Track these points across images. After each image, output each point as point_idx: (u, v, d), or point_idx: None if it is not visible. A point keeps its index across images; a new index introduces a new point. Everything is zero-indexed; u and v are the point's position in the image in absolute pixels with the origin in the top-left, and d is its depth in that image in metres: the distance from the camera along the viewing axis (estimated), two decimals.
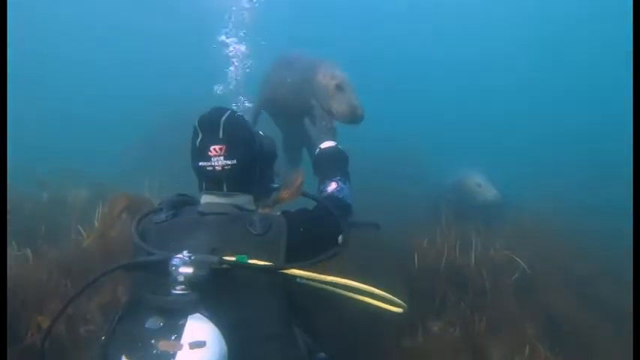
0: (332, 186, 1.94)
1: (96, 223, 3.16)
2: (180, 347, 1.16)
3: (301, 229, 1.54)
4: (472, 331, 2.72)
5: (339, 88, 2.70)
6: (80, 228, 3.09)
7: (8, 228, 3.63)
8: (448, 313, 2.94)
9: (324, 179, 2.01)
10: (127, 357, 1.20)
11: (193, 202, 1.67)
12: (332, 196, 1.92)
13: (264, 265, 1.39)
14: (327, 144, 2.21)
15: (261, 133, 1.79)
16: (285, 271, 1.41)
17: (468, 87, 17.41)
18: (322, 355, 1.55)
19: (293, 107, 3.32)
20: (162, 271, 1.32)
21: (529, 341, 2.61)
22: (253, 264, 1.38)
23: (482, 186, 5.00)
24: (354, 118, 2.59)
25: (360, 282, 1.51)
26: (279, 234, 1.48)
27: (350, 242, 1.69)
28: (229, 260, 1.36)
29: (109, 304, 2.75)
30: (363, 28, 17.12)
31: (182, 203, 1.64)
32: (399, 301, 1.58)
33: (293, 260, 1.45)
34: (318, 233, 1.62)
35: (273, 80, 3.58)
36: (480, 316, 2.82)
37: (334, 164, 2.08)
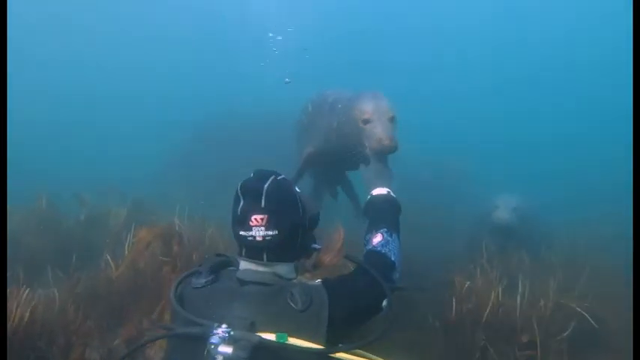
0: (377, 238, 1.83)
1: (126, 251, 3.17)
2: None
3: (343, 302, 1.48)
4: None
5: (365, 121, 2.70)
6: (109, 258, 3.09)
7: (45, 249, 3.76)
8: None
9: (371, 229, 1.89)
10: None
11: (232, 263, 1.63)
12: (374, 252, 1.79)
13: (307, 347, 1.35)
14: (378, 191, 2.10)
15: (298, 190, 1.68)
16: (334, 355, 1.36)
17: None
18: None
19: (340, 152, 3.12)
20: (199, 343, 1.31)
21: None
22: (294, 345, 1.34)
23: (500, 208, 4.71)
24: (382, 149, 2.56)
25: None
26: (320, 309, 1.42)
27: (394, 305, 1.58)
28: (269, 341, 1.32)
29: (135, 338, 2.72)
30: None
31: (221, 265, 1.61)
32: None
33: (335, 334, 1.40)
34: (360, 305, 1.55)
35: (322, 128, 3.41)
36: None
37: (383, 214, 1.97)
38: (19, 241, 3.88)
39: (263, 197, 1.49)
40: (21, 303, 2.18)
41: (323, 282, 1.54)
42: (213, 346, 1.25)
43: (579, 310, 2.81)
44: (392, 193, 2.11)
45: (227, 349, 1.25)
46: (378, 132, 2.61)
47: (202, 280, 1.52)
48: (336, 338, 1.41)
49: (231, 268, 1.61)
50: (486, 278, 3.25)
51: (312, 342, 1.36)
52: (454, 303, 2.89)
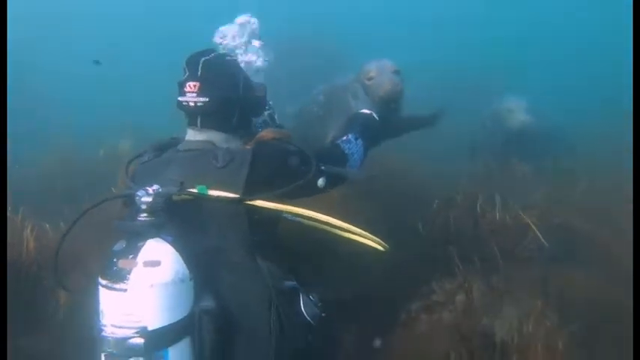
0: (343, 138, 1.93)
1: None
2: (135, 264, 1.28)
3: (266, 163, 1.57)
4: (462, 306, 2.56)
5: (370, 79, 2.90)
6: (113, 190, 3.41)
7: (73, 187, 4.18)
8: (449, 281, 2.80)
9: (342, 133, 1.99)
10: (100, 276, 1.33)
11: (179, 142, 1.75)
12: (333, 143, 1.91)
13: (220, 195, 1.46)
14: (363, 110, 2.25)
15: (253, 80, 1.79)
16: (247, 202, 1.47)
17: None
18: (290, 282, 1.60)
19: None
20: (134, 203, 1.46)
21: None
22: (210, 195, 1.46)
23: (514, 111, 4.45)
24: (386, 93, 2.78)
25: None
26: (240, 166, 1.52)
27: (329, 188, 1.69)
28: (188, 191, 1.47)
29: None
30: None
31: (168, 144, 1.77)
32: (376, 238, 1.57)
33: (253, 192, 1.49)
34: (282, 169, 1.61)
35: (341, 108, 3.26)
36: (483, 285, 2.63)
37: (357, 125, 2.08)
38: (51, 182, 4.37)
39: (200, 67, 1.61)
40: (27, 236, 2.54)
41: (254, 145, 1.64)
42: (138, 198, 1.40)
43: (533, 225, 2.74)
44: (374, 115, 2.19)
45: (148, 199, 1.40)
46: (381, 81, 2.78)
47: (146, 157, 1.71)
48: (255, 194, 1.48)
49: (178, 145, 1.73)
50: (468, 194, 3.23)
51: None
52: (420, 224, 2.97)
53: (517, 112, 4.44)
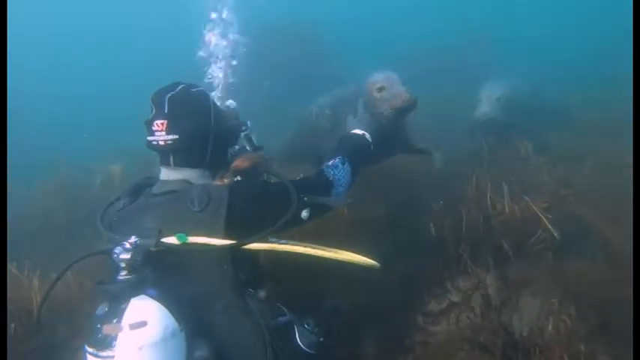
0: (329, 163, 1.86)
1: None
2: (120, 329, 1.23)
3: (244, 201, 1.51)
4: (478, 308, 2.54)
5: (380, 89, 2.74)
6: None
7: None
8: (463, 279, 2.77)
9: (330, 157, 1.91)
10: (86, 343, 1.29)
11: (154, 182, 1.68)
12: (318, 170, 1.83)
13: (208, 243, 1.41)
14: (355, 131, 2.16)
15: (230, 107, 1.76)
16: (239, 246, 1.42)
17: None
18: (283, 318, 1.59)
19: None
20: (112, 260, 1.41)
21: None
22: (194, 243, 1.40)
23: (482, 100, 4.32)
24: (403, 103, 2.60)
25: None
26: (217, 207, 1.46)
27: (313, 218, 1.63)
28: (166, 243, 1.41)
29: None
30: None
31: (141, 187, 1.70)
32: (371, 260, 1.51)
33: (234, 233, 1.44)
34: (262, 207, 1.56)
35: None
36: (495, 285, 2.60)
37: (346, 147, 2.00)
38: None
39: (166, 104, 1.55)
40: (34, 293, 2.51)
41: (231, 183, 1.60)
42: (116, 256, 1.35)
43: (542, 216, 2.66)
44: (367, 137, 2.10)
45: (126, 256, 1.34)
46: (397, 91, 2.64)
47: (121, 204, 1.64)
48: (241, 236, 1.43)
49: (151, 187, 1.67)
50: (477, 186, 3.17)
51: (212, 237, 1.41)
52: (431, 224, 2.90)
53: (485, 101, 4.29)
